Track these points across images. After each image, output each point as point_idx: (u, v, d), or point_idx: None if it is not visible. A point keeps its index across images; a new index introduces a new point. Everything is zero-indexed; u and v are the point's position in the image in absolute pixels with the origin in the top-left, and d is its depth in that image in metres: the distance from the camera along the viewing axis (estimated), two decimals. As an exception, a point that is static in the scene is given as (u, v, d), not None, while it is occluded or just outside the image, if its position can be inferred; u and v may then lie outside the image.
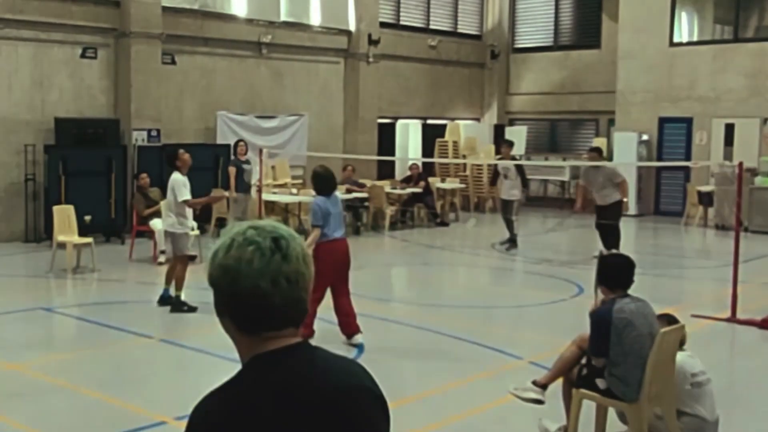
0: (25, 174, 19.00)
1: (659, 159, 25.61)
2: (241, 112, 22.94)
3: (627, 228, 23.83)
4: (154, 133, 20.54)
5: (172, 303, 12.75)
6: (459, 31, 30.40)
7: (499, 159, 19.57)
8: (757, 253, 18.28)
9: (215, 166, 21.14)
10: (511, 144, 19.63)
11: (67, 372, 9.77)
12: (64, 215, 16.62)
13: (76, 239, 16.01)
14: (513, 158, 19.65)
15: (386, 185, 22.96)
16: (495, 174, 19.61)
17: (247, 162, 19.11)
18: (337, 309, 10.68)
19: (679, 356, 7.11)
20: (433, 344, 11.28)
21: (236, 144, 19.50)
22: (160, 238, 16.71)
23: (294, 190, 21.25)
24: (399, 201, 22.86)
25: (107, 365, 10.25)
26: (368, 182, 22.92)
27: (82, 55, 19.97)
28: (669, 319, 7.32)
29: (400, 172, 26.19)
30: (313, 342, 2.41)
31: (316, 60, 25.06)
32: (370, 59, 25.90)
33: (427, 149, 27.99)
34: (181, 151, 13.20)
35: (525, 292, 15.53)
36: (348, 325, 10.70)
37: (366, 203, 21.83)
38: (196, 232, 17.00)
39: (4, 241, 18.78)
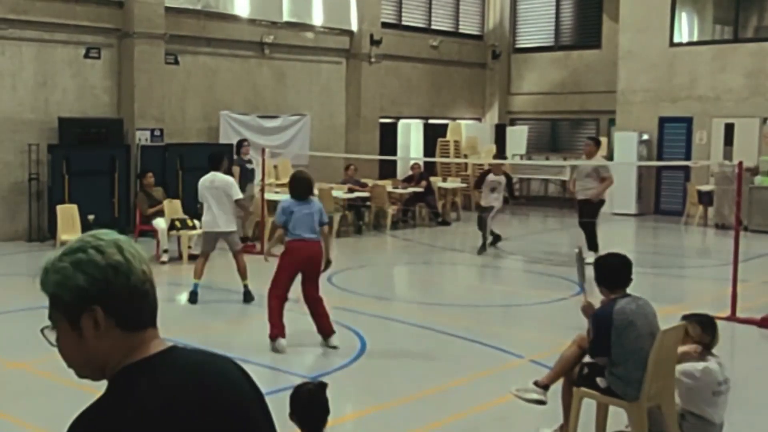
0: (28, 173, 19.06)
1: (659, 158, 25.64)
2: (243, 112, 23.02)
3: (627, 227, 24.00)
4: (157, 133, 20.62)
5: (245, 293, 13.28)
6: (460, 31, 30.47)
7: (487, 171, 19.33)
8: (756, 252, 18.33)
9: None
10: (504, 157, 19.86)
11: (70, 370, 9.69)
12: (68, 214, 16.71)
13: (79, 239, 16.02)
14: (505, 174, 19.59)
15: (388, 185, 23.02)
16: (479, 180, 19.36)
17: (250, 161, 19.21)
18: (309, 310, 10.71)
19: (712, 363, 7.11)
20: (434, 343, 11.30)
21: (240, 143, 19.55)
22: (163, 238, 16.81)
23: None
24: (400, 200, 22.91)
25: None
26: (370, 182, 22.97)
27: (86, 55, 20.04)
28: (701, 320, 7.35)
29: (401, 172, 26.27)
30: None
31: (319, 60, 25.13)
32: (372, 59, 25.97)
33: (429, 149, 28.05)
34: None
35: (526, 291, 15.58)
36: (320, 326, 10.67)
37: (368, 203, 21.88)
38: (199, 231, 17.09)
39: (8, 240, 18.84)
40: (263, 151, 18.67)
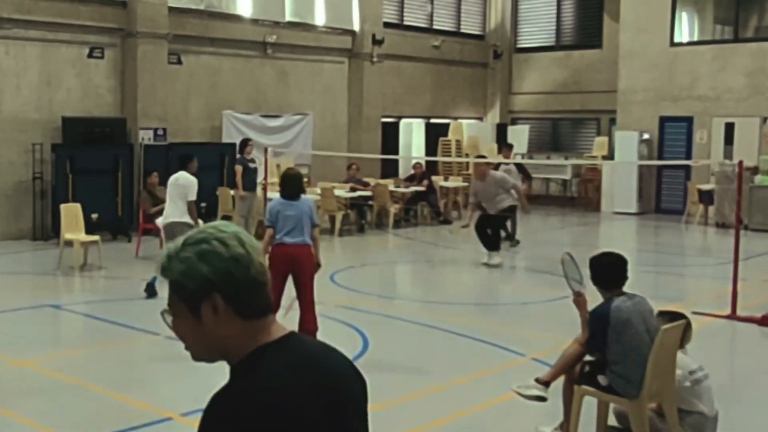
0: (32, 172, 19.13)
1: (660, 157, 25.67)
2: (246, 112, 23.08)
3: (628, 226, 24.07)
4: (160, 132, 20.68)
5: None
6: (462, 31, 30.52)
7: (498, 164, 19.28)
8: (757, 251, 18.37)
9: (221, 165, 21.33)
10: (510, 147, 19.90)
11: (74, 368, 9.79)
12: (72, 213, 16.75)
13: (84, 237, 16.09)
14: (517, 164, 19.71)
15: (390, 184, 23.09)
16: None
17: (253, 161, 19.28)
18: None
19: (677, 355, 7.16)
20: (436, 341, 11.34)
21: (244, 143, 19.58)
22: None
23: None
24: (402, 199, 22.97)
25: (114, 362, 10.33)
26: (372, 181, 23.02)
27: (90, 55, 20.11)
28: (672, 317, 7.35)
29: (403, 171, 26.35)
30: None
31: (321, 60, 25.19)
32: (374, 59, 26.03)
33: (431, 148, 28.11)
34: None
35: (527, 289, 15.63)
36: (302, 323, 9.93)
37: (370, 201, 21.93)
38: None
39: (13, 239, 18.90)
40: (266, 150, 18.70)
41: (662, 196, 26.25)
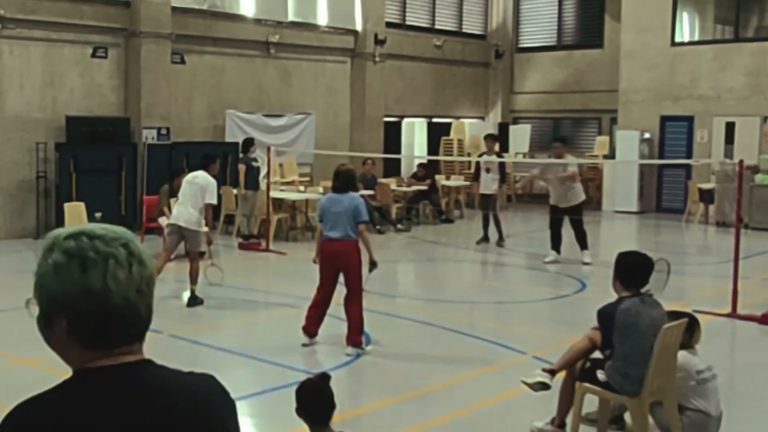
0: (36, 171, 19.21)
1: (661, 157, 25.74)
2: (249, 111, 23.14)
3: (629, 224, 24.14)
4: (163, 132, 20.75)
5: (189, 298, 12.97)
6: (464, 31, 30.60)
7: (481, 154, 19.78)
8: (757, 250, 18.41)
9: (224, 164, 21.37)
10: (495, 138, 19.96)
11: None
12: (75, 212, 16.84)
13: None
14: (498, 154, 19.88)
15: (392, 182, 23.16)
16: (477, 169, 19.78)
17: (256, 160, 19.38)
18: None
19: (682, 355, 7.20)
20: (438, 339, 11.38)
21: (247, 142, 19.68)
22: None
23: (301, 188, 21.43)
24: (405, 198, 23.04)
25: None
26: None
27: (93, 55, 20.18)
28: (679, 317, 7.37)
29: (406, 170, 26.44)
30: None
31: (323, 59, 25.26)
32: (377, 59, 26.11)
33: (433, 147, 28.18)
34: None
35: (528, 288, 15.68)
36: (347, 333, 10.42)
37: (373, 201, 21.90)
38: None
39: (16, 238, 18.98)
40: (268, 149, 18.81)
41: (663, 195, 26.32)
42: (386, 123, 27.02)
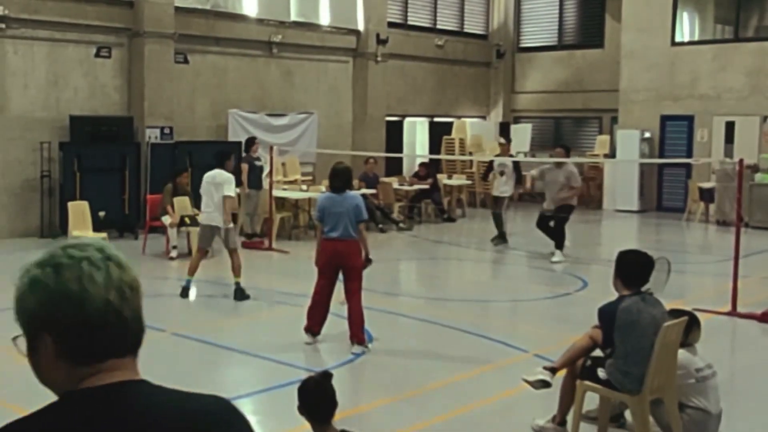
0: (40, 171, 19.27)
1: (661, 156, 25.79)
2: (251, 110, 23.17)
3: (630, 223, 24.21)
4: (166, 131, 20.80)
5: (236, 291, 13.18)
6: (465, 31, 30.64)
7: (496, 156, 19.90)
8: (757, 248, 18.47)
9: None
10: (509, 141, 20.03)
11: None
12: (79, 211, 16.90)
13: (91, 234, 16.15)
14: (511, 156, 20.01)
15: (394, 181, 23.24)
16: (488, 169, 19.90)
17: (258, 159, 19.47)
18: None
19: (682, 353, 7.24)
20: (440, 338, 11.41)
21: (249, 141, 19.81)
22: (173, 234, 17.01)
23: (304, 187, 21.50)
24: (407, 197, 23.12)
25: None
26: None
27: (97, 55, 20.23)
28: (680, 315, 7.43)
29: (407, 169, 26.51)
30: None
31: (326, 59, 25.31)
32: (379, 58, 26.16)
33: (434, 146, 28.25)
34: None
35: (530, 286, 15.75)
36: (350, 330, 10.42)
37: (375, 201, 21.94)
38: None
39: (21, 237, 19.01)
40: (271, 148, 18.89)
41: (663, 194, 26.40)
42: (388, 122, 27.08)
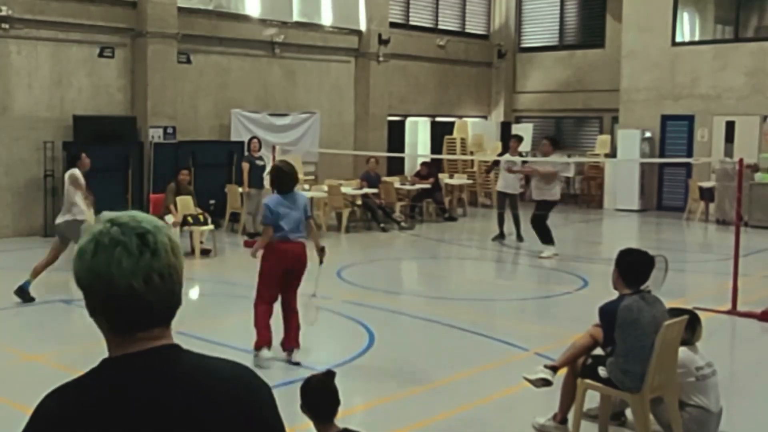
0: (44, 170, 19.37)
1: (662, 155, 25.85)
2: (254, 110, 23.24)
3: (630, 222, 24.26)
4: (170, 131, 20.86)
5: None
6: (467, 31, 30.69)
7: (501, 153, 19.98)
8: (756, 247, 18.52)
9: (229, 163, 21.56)
10: (520, 139, 20.08)
11: (85, 363, 9.43)
12: (83, 210, 16.96)
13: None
14: (520, 154, 20.08)
15: (396, 181, 23.30)
16: (493, 165, 19.96)
17: (260, 158, 19.55)
18: (283, 317, 10.01)
19: (683, 351, 7.26)
20: (441, 336, 11.42)
21: (249, 141, 19.96)
22: (175, 233, 17.07)
23: (306, 186, 21.57)
24: (408, 196, 23.20)
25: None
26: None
27: (100, 54, 20.30)
28: (680, 314, 7.42)
29: (409, 169, 26.57)
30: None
31: (328, 59, 25.37)
32: (381, 58, 26.22)
33: (436, 146, 28.31)
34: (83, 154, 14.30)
35: (531, 285, 15.81)
36: (287, 338, 9.95)
37: (377, 200, 22.00)
38: (211, 226, 17.43)
39: (24, 236, 19.10)
40: (273, 148, 18.95)
41: (664, 193, 26.45)
42: (390, 122, 27.14)
